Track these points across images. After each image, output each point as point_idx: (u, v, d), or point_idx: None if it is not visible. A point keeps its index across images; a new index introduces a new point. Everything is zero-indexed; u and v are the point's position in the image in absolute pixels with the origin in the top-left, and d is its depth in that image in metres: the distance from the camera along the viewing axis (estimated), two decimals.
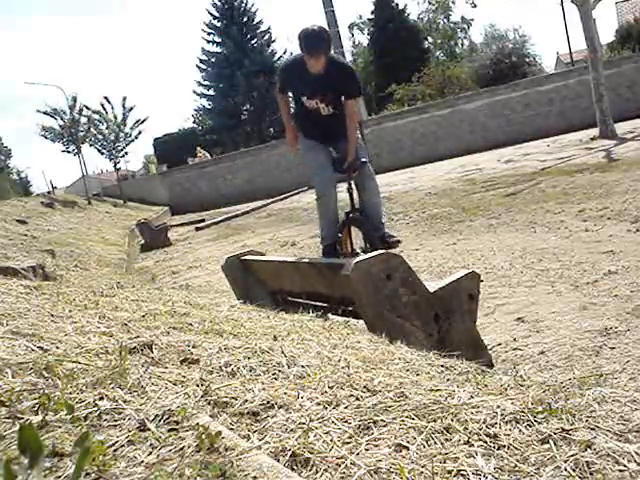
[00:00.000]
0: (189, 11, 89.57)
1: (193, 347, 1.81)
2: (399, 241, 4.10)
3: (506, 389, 1.53)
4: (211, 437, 1.05)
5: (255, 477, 0.95)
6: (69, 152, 26.27)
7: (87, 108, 25.80)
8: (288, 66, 4.13)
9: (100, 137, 26.39)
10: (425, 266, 5.39)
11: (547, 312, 3.63)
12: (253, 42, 34.40)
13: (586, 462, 1.04)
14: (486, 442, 1.14)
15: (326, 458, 1.08)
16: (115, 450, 1.01)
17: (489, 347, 3.03)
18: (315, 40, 3.70)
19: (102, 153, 26.81)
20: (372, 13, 35.36)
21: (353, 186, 4.20)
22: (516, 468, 1.05)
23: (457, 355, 2.06)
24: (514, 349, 3.21)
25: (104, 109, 26.16)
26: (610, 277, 4.00)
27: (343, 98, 3.99)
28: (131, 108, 26.66)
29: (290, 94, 4.25)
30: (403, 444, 1.14)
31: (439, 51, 40.05)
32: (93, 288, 4.08)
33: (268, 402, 1.32)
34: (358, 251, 4.10)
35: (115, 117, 26.34)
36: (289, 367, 1.63)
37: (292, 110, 4.36)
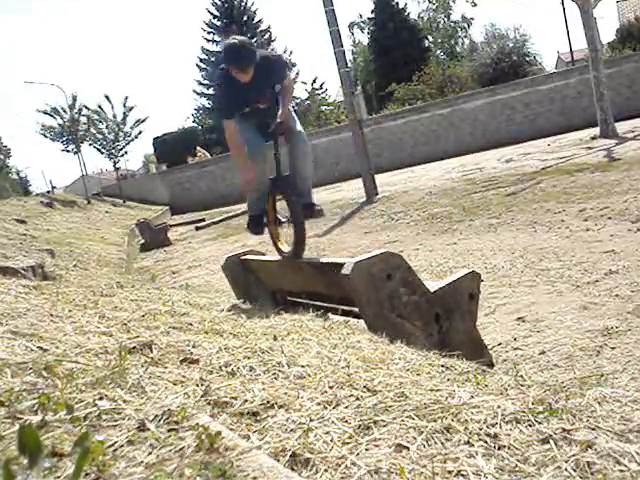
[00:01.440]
0: (189, 10, 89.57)
1: (193, 347, 1.80)
2: (321, 212, 3.91)
3: (507, 389, 1.52)
4: (211, 437, 1.04)
5: (255, 477, 0.95)
6: (69, 151, 26.29)
7: (87, 108, 25.81)
8: (225, 88, 3.87)
9: (100, 136, 26.40)
10: (425, 266, 5.39)
11: (548, 312, 3.62)
12: (253, 41, 34.38)
13: (587, 462, 1.04)
14: (486, 442, 1.14)
15: (326, 458, 1.08)
16: (115, 450, 1.01)
17: (489, 347, 3.02)
18: (244, 53, 3.59)
19: (102, 152, 26.83)
20: (372, 12, 35.34)
21: (280, 151, 4.01)
22: (517, 468, 1.05)
23: (457, 355, 2.05)
24: (514, 349, 3.21)
25: (101, 109, 26.17)
26: (611, 277, 4.00)
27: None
28: (131, 107, 26.68)
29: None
30: (403, 444, 1.14)
31: (439, 50, 40.01)
32: (93, 288, 4.08)
33: (268, 402, 1.32)
34: (283, 220, 3.98)
35: (115, 116, 26.35)
36: (289, 367, 1.63)
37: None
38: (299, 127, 4.06)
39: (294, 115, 4.13)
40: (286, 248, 3.86)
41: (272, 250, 4.08)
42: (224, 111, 3.93)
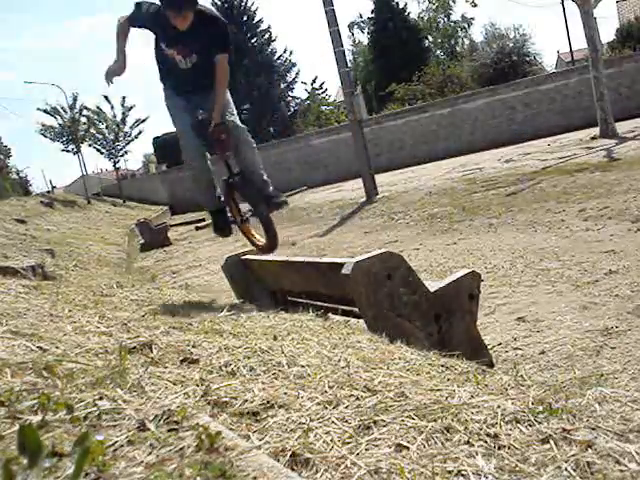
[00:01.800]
0: None
1: (193, 347, 1.80)
2: (286, 202, 3.76)
3: (507, 389, 1.52)
4: (211, 437, 1.04)
5: (255, 477, 0.95)
6: (69, 151, 26.31)
7: (86, 108, 25.83)
8: (152, 6, 3.49)
9: (100, 136, 26.42)
10: (425, 266, 5.39)
11: (548, 312, 3.62)
12: (253, 41, 34.38)
13: (587, 462, 1.04)
14: (486, 442, 1.14)
15: (326, 458, 1.08)
16: (115, 450, 1.01)
17: (489, 347, 3.02)
18: None
19: (102, 153, 26.84)
20: (372, 12, 35.35)
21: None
22: (517, 468, 1.05)
23: (457, 355, 2.05)
24: (514, 349, 3.21)
25: (100, 110, 26.17)
26: (611, 277, 4.00)
27: (213, 54, 3.58)
28: (130, 107, 26.69)
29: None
30: (403, 444, 1.14)
31: (439, 50, 40.02)
32: (93, 288, 4.08)
33: (268, 402, 1.32)
34: (248, 217, 3.90)
35: (114, 116, 26.36)
36: (289, 367, 1.63)
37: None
38: (237, 120, 3.83)
39: (232, 105, 3.85)
40: (260, 241, 3.85)
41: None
42: (133, 13, 3.48)
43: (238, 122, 3.84)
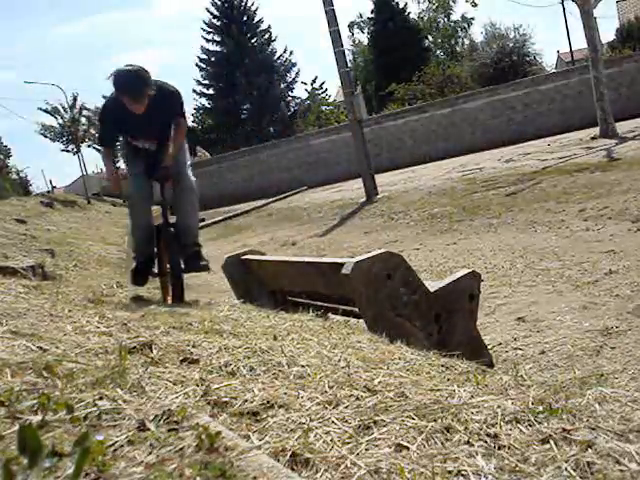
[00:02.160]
0: (189, 10, 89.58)
1: (193, 347, 1.80)
2: (207, 267, 3.71)
3: (507, 389, 1.52)
4: (211, 437, 1.05)
5: (255, 477, 0.95)
6: (69, 151, 26.32)
7: (86, 109, 25.85)
8: (108, 112, 3.66)
9: None
10: (425, 266, 5.39)
11: (548, 312, 3.62)
12: (253, 41, 34.38)
13: (587, 462, 1.04)
14: (486, 442, 1.14)
15: (326, 458, 1.08)
16: (115, 450, 1.01)
17: (489, 347, 3.03)
18: (135, 82, 3.32)
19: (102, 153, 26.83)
20: (372, 12, 35.35)
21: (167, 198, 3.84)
22: (517, 468, 1.05)
23: (457, 355, 2.05)
24: (514, 349, 3.21)
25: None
26: (611, 277, 4.00)
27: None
28: None
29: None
30: (403, 444, 1.14)
31: (439, 50, 40.02)
32: (93, 288, 4.08)
33: (268, 402, 1.32)
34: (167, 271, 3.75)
35: None
36: (289, 367, 1.63)
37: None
38: (189, 172, 3.84)
39: (187, 155, 3.91)
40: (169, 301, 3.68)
41: (272, 250, 4.06)
42: (100, 133, 3.91)
43: (189, 172, 3.84)
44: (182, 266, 3.60)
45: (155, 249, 3.87)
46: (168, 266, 3.78)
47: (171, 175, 3.69)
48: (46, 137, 26.33)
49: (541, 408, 1.28)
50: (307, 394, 1.39)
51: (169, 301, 3.68)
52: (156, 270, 3.88)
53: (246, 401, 1.32)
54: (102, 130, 3.86)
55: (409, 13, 36.02)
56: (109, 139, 3.90)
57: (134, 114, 3.42)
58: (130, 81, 3.33)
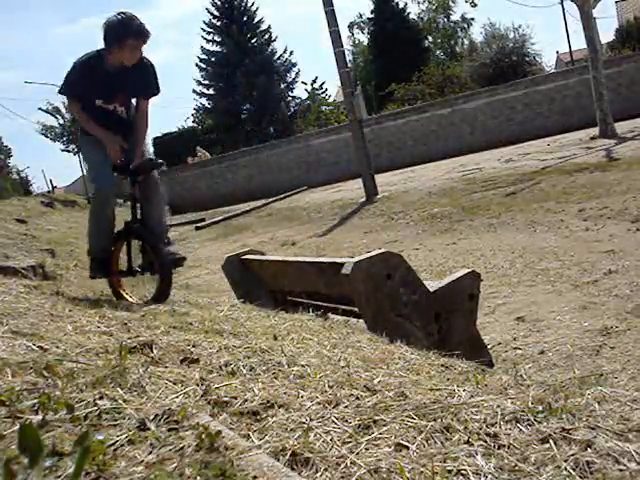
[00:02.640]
0: (189, 10, 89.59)
1: (193, 346, 1.81)
2: (183, 258, 3.54)
3: (506, 388, 1.53)
4: (211, 436, 1.05)
5: (255, 476, 0.95)
6: (69, 151, 26.33)
7: None
8: (89, 66, 3.41)
9: None
10: (425, 265, 5.40)
11: (547, 311, 3.63)
12: (253, 41, 34.38)
13: (586, 461, 1.04)
14: (486, 441, 1.14)
15: (326, 457, 1.08)
16: (115, 449, 1.01)
17: (489, 346, 3.03)
18: (143, 24, 3.28)
19: None
20: (372, 12, 35.32)
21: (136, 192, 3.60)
22: (516, 467, 1.05)
23: (457, 354, 2.06)
24: (514, 348, 3.21)
25: None
26: (610, 276, 4.00)
27: (138, 99, 3.56)
28: None
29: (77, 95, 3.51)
30: (403, 443, 1.14)
31: (439, 50, 40.00)
32: (93, 287, 4.08)
33: (268, 401, 1.32)
34: (137, 269, 3.59)
35: None
36: (289, 366, 1.63)
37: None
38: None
39: (149, 150, 3.79)
40: (132, 298, 3.54)
41: (272, 250, 4.06)
42: (70, 88, 3.41)
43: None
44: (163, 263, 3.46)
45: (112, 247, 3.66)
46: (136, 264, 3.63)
47: (146, 169, 3.54)
48: (47, 137, 26.38)
49: (540, 408, 1.28)
50: (307, 394, 1.39)
51: (130, 298, 3.53)
52: (135, 268, 3.63)
53: (246, 401, 1.32)
54: (75, 80, 3.39)
55: (409, 13, 36.00)
56: (80, 89, 3.42)
57: (112, 74, 3.35)
58: (139, 23, 3.32)
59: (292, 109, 34.38)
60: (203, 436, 1.05)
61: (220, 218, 15.04)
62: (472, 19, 39.50)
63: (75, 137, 25.47)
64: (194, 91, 35.02)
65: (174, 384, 1.41)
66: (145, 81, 3.53)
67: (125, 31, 3.29)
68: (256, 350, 1.77)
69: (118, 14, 3.33)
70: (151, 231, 3.52)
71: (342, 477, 1.03)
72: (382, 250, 2.69)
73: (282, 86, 34.73)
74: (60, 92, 3.57)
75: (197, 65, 34.81)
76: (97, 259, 3.62)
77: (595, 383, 1.66)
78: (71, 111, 3.56)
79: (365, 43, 38.49)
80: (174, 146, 29.48)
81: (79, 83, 3.41)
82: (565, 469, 1.03)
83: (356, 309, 2.77)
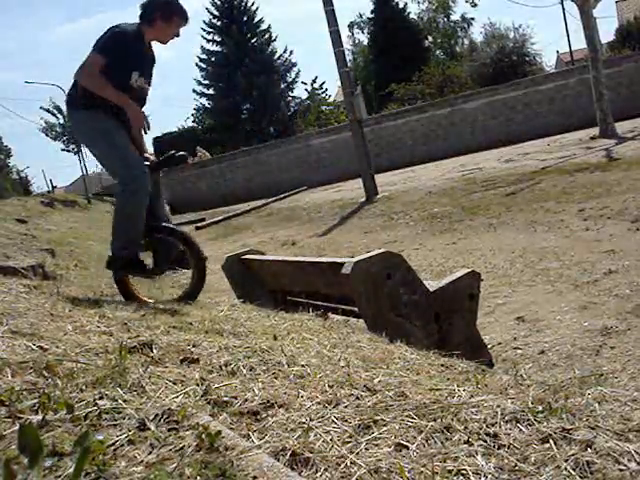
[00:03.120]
0: (189, 10, 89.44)
1: (193, 346, 1.81)
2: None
3: (506, 388, 1.53)
4: (211, 436, 1.05)
5: (255, 476, 0.95)
6: (69, 151, 26.32)
7: None
8: (126, 34, 3.14)
9: None
10: (425, 265, 5.40)
11: (547, 311, 3.63)
12: (253, 41, 34.38)
13: (586, 461, 1.04)
14: (486, 441, 1.14)
15: (326, 457, 1.08)
16: (115, 449, 1.01)
17: (489, 346, 3.03)
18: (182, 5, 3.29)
19: None
20: (372, 12, 35.32)
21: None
22: (516, 467, 1.05)
23: (457, 354, 2.06)
24: (514, 348, 3.21)
25: None
26: (610, 276, 4.00)
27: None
28: None
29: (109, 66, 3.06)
30: (403, 443, 1.14)
31: (439, 50, 39.99)
32: (93, 288, 4.08)
33: (268, 401, 1.32)
34: (161, 268, 3.50)
35: None
36: (289, 366, 1.63)
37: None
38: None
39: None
40: (142, 295, 3.39)
41: (272, 250, 4.05)
42: (110, 51, 3.00)
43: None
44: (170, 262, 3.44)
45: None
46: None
47: (182, 160, 3.51)
48: (48, 136, 26.36)
49: (541, 408, 1.28)
50: (307, 393, 1.39)
51: (141, 297, 3.36)
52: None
53: (246, 400, 1.32)
54: (117, 45, 3.06)
55: (409, 13, 36.01)
56: (119, 53, 3.05)
57: (145, 51, 3.32)
58: (182, 4, 3.34)
59: (292, 109, 34.38)
60: (203, 436, 1.05)
61: (220, 218, 15.04)
62: (472, 19, 39.50)
63: (75, 136, 25.47)
64: (194, 91, 35.01)
65: (174, 384, 1.41)
66: (152, 69, 3.48)
67: (173, 8, 3.29)
68: (256, 350, 1.77)
69: None
70: (173, 228, 3.48)
71: (342, 477, 1.03)
72: (382, 250, 2.69)
73: (282, 86, 34.72)
74: (94, 49, 3.09)
75: (197, 65, 34.81)
76: (129, 256, 3.28)
77: (595, 383, 1.66)
78: (87, 74, 2.99)
79: (365, 43, 38.47)
80: (174, 146, 29.50)
81: (122, 48, 3.07)
82: (565, 469, 1.02)
83: (356, 309, 2.77)
